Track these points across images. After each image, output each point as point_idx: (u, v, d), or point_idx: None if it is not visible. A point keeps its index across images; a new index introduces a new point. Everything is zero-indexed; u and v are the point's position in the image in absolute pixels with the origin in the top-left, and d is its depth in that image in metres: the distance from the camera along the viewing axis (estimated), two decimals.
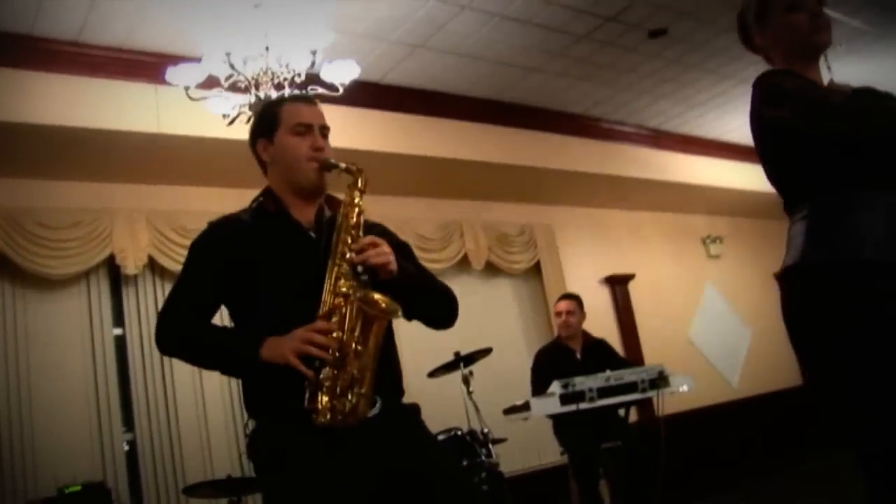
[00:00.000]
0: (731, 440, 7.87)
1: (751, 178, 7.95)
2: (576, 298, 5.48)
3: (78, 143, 4.81)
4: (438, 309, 2.21)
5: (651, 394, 4.23)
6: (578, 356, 5.28)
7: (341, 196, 2.13)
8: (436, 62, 5.81)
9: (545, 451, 6.46)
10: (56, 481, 4.58)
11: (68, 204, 5.18)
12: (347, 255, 1.95)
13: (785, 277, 2.03)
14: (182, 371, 5.38)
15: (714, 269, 9.12)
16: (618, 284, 7.98)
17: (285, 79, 4.21)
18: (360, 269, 1.94)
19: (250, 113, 4.25)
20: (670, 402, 7.10)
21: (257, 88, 4.14)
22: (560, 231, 7.76)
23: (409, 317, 2.11)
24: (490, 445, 4.18)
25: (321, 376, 1.86)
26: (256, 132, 2.21)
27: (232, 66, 4.10)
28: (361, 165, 2.13)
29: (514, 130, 6.81)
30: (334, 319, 1.90)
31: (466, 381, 4.67)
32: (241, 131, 3.19)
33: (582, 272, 7.71)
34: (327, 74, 4.28)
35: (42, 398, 4.88)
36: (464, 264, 7.04)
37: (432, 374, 4.84)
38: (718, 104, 7.41)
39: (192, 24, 4.58)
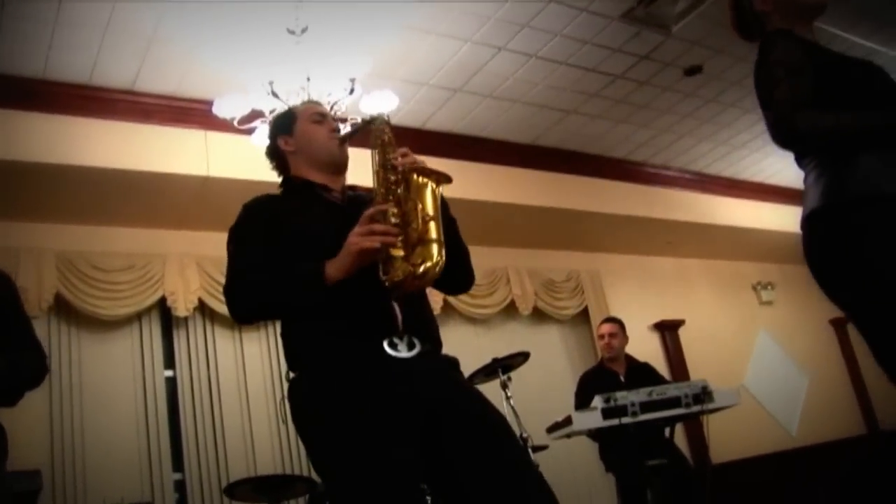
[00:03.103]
0: (791, 491, 7.47)
1: (797, 222, 7.75)
2: (618, 321, 5.42)
3: (131, 186, 4.97)
4: (462, 270, 2.17)
5: (695, 409, 4.06)
6: (622, 379, 5.18)
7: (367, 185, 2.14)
8: (475, 106, 5.89)
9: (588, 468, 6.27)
10: None
11: (122, 248, 5.32)
12: (389, 169, 1.95)
13: (808, 223, 2.08)
14: (232, 414, 5.38)
15: (767, 315, 8.86)
16: (668, 330, 7.82)
17: (327, 110, 4.30)
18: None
19: None
20: (725, 450, 6.91)
21: None
22: (607, 277, 7.67)
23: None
24: (530, 451, 4.10)
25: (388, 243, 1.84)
26: (276, 131, 2.28)
27: (275, 95, 4.22)
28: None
29: (556, 175, 6.81)
30: (389, 192, 1.92)
31: (505, 385, 4.63)
32: None
33: (631, 318, 7.42)
34: (366, 106, 4.37)
35: (94, 437, 4.90)
36: (511, 310, 6.99)
37: (471, 381, 4.74)
38: (759, 146, 7.31)
39: (237, 65, 4.73)
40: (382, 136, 2.04)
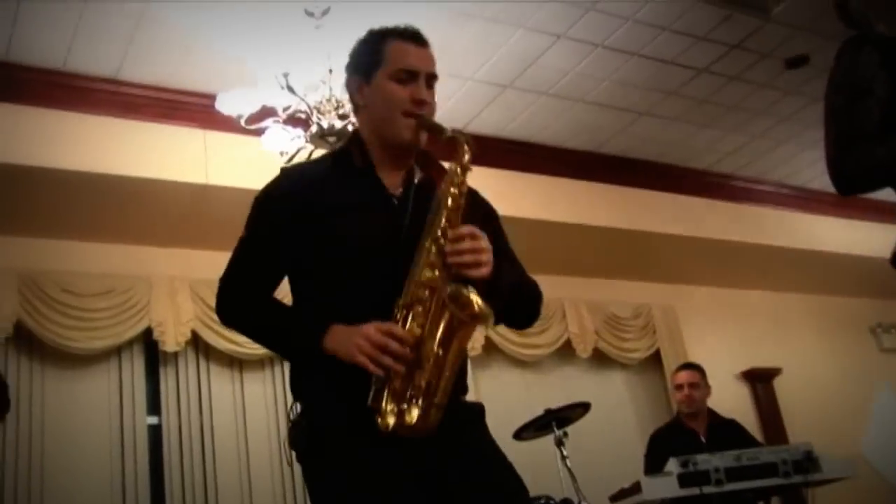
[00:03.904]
0: None
1: None
2: (699, 369, 5.38)
3: (113, 194, 5.01)
4: (525, 316, 2.25)
5: (796, 479, 3.99)
6: (703, 439, 5.12)
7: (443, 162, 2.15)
8: (527, 105, 5.88)
9: None
10: None
11: (99, 268, 5.35)
12: (440, 240, 1.98)
13: None
14: (228, 471, 5.39)
15: (890, 364, 8.68)
16: (760, 381, 7.72)
17: (352, 108, 4.33)
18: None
19: (312, 148, 4.36)
20: None
21: (321, 115, 4.26)
22: (685, 314, 7.59)
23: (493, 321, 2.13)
24: None
25: (391, 374, 1.91)
26: (353, 68, 2.23)
27: (291, 90, 4.24)
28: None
29: (624, 189, 6.78)
30: (417, 311, 1.94)
31: (560, 442, 4.64)
32: None
33: (713, 364, 7.34)
34: None
35: (58, 495, 4.90)
36: (567, 351, 6.94)
37: (519, 435, 4.80)
38: None
39: (245, 54, 4.78)
40: (455, 177, 2.03)
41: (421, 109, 2.12)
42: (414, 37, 2.18)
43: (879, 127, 2.06)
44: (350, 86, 2.24)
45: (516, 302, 2.16)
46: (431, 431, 1.91)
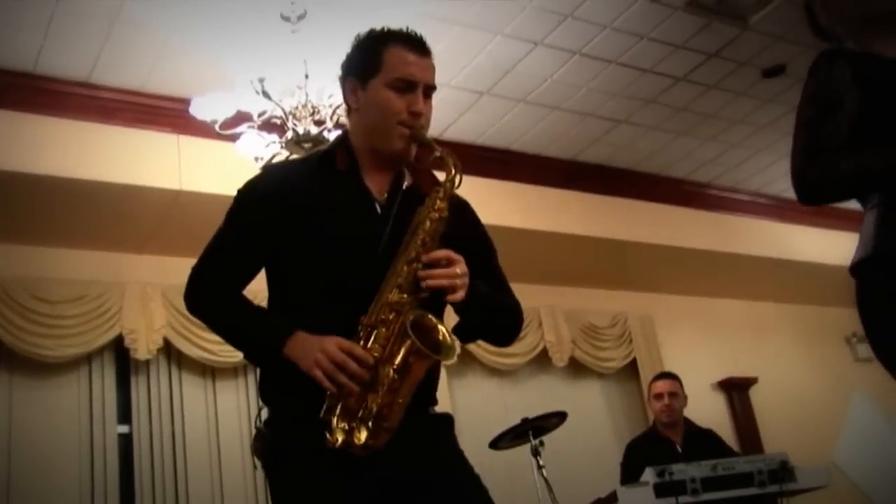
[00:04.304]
0: None
1: None
2: (677, 378, 5.39)
3: (85, 200, 4.95)
4: (502, 333, 2.25)
5: (771, 489, 4.00)
6: (679, 448, 5.11)
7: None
8: (505, 112, 5.87)
9: None
10: None
11: (70, 275, 5.29)
12: (413, 264, 1.96)
13: (857, 270, 2.21)
14: (200, 480, 5.34)
15: (864, 374, 8.65)
16: (736, 391, 7.74)
17: (328, 114, 4.32)
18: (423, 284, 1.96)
19: (287, 154, 4.33)
20: None
21: (297, 121, 4.24)
22: (662, 323, 7.61)
23: (465, 340, 2.16)
24: None
25: (345, 392, 1.92)
26: (350, 68, 2.19)
27: (266, 95, 4.21)
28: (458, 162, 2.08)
29: (601, 198, 6.78)
30: (380, 332, 1.93)
31: (536, 452, 4.64)
32: None
33: (690, 374, 7.35)
34: None
35: None
36: (543, 360, 6.93)
37: (495, 444, 4.80)
38: None
39: (220, 58, 4.74)
40: (437, 200, 2.02)
41: (416, 121, 2.08)
42: (416, 44, 2.12)
43: (847, 141, 2.10)
44: (344, 87, 2.21)
45: (492, 324, 2.16)
46: (380, 450, 1.91)
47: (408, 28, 2.13)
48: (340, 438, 1.88)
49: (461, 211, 2.15)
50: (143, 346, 5.32)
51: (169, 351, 5.51)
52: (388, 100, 2.07)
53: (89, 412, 5.22)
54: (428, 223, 1.99)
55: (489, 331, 2.19)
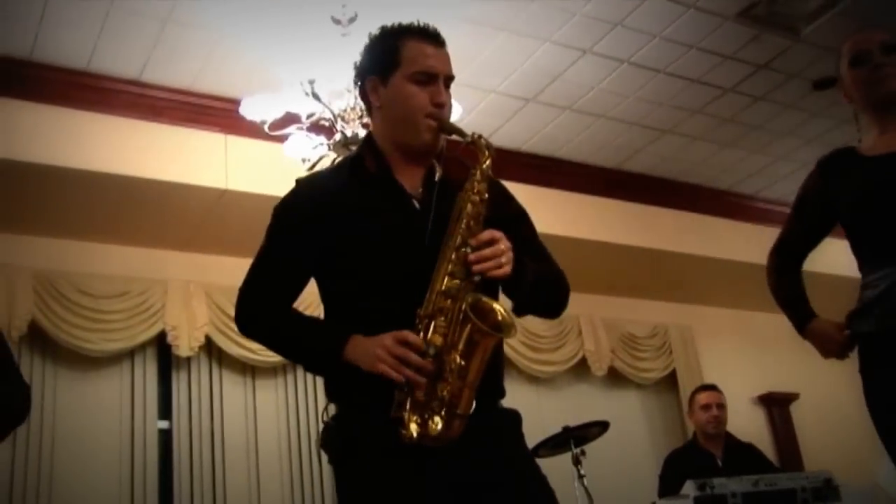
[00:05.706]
0: None
1: None
2: (720, 390, 5.33)
3: (132, 197, 5.02)
4: (552, 304, 2.25)
5: None
6: (720, 462, 5.04)
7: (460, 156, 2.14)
8: (551, 119, 5.86)
9: None
10: None
11: (115, 270, 5.36)
12: (462, 249, 1.97)
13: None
14: (237, 476, 5.38)
15: None
16: (776, 406, 7.67)
17: None
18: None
19: (335, 156, 4.35)
20: None
21: (345, 123, 4.25)
22: (702, 335, 7.56)
23: (519, 314, 2.14)
24: None
25: (412, 385, 1.92)
26: (368, 67, 2.18)
27: (316, 97, 4.23)
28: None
29: (644, 207, 6.76)
30: (439, 321, 1.93)
31: (577, 461, 4.62)
32: None
33: (729, 387, 7.25)
34: None
35: (67, 497, 4.90)
36: (582, 369, 6.92)
37: (535, 452, 4.69)
38: None
39: (269, 59, 4.78)
40: (475, 183, 2.02)
41: (442, 112, 2.10)
42: (432, 36, 2.15)
43: (793, 256, 2.84)
44: (363, 87, 2.21)
45: (541, 294, 2.15)
46: (455, 440, 1.91)
47: (419, 21, 2.14)
48: (416, 431, 1.88)
49: (494, 189, 2.13)
50: (185, 343, 5.38)
51: (210, 348, 5.56)
52: (412, 93, 2.08)
53: (130, 406, 5.29)
54: (470, 206, 2.00)
55: (539, 302, 2.17)
